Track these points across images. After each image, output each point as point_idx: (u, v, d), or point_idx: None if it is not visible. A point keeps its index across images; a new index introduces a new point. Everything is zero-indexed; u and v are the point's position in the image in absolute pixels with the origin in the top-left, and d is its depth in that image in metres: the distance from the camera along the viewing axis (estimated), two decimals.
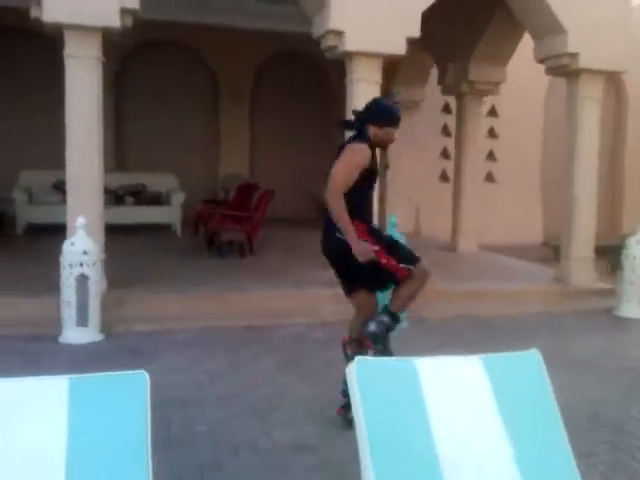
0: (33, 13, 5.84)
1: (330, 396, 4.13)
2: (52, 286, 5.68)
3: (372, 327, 3.82)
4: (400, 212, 12.12)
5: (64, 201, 9.70)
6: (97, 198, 6.26)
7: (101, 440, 1.67)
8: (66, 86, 6.02)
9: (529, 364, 2.21)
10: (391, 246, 3.87)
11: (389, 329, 3.88)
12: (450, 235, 10.52)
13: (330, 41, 6.52)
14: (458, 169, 10.27)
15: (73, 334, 5.47)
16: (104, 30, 6.01)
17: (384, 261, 3.77)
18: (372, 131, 3.81)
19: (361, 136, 3.82)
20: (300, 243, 9.85)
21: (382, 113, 3.83)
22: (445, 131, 12.79)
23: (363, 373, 2.01)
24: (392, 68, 10.34)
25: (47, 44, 8.29)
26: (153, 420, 3.83)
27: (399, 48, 6.53)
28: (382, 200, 11.04)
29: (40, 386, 1.72)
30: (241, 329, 6.05)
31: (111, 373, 1.83)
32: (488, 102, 12.21)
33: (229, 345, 5.59)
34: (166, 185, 11.17)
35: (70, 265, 5.41)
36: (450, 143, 11.60)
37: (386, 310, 3.89)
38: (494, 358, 2.21)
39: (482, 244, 10.65)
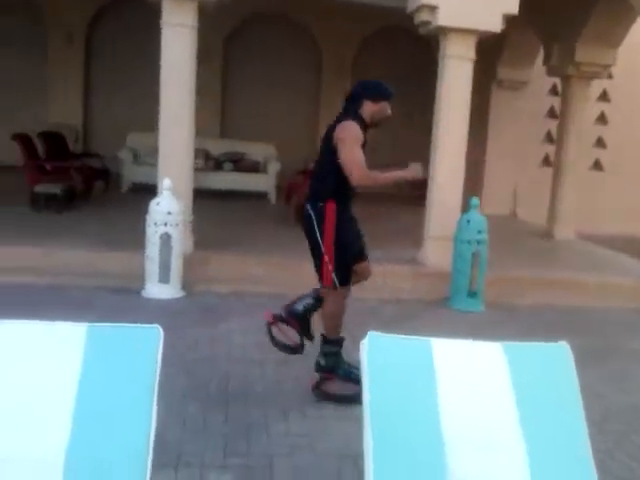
0: None
1: None
2: (141, 243, 6.02)
3: (298, 307, 4.01)
4: (497, 194, 11.86)
5: None
6: (187, 162, 6.53)
7: (110, 387, 1.78)
8: (162, 53, 6.27)
9: (556, 357, 2.12)
10: (342, 251, 3.80)
11: (313, 309, 4.02)
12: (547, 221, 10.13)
13: (423, 16, 6.38)
14: (559, 154, 9.82)
15: (155, 289, 5.78)
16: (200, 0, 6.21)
17: (326, 258, 3.81)
18: (367, 108, 3.85)
19: (349, 114, 3.84)
20: (391, 220, 9.82)
21: (376, 86, 3.94)
22: (551, 114, 12.21)
23: (374, 348, 2.01)
24: (495, 46, 9.99)
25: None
26: (211, 375, 4.11)
27: (494, 25, 6.31)
28: (475, 180, 10.84)
29: (60, 330, 1.86)
30: None
31: (127, 325, 1.93)
32: (599, 86, 11.54)
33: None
34: (265, 154, 11.43)
35: (155, 224, 5.71)
36: (555, 127, 11.10)
37: (315, 292, 4.01)
38: (518, 347, 2.14)
39: (585, 233, 10.18)
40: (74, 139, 12.31)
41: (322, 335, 4.05)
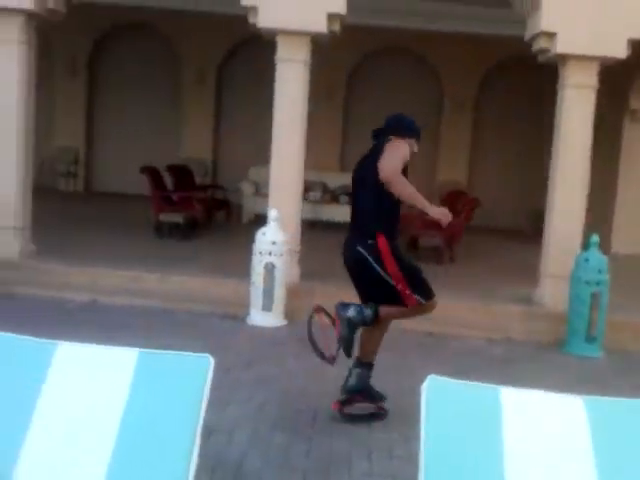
0: (250, 19, 6.36)
1: None
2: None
3: (350, 313, 3.80)
4: (629, 233, 11.03)
5: None
6: (296, 194, 6.63)
7: (153, 414, 1.78)
8: (275, 88, 6.46)
9: None
10: (409, 272, 3.77)
11: (363, 323, 3.83)
12: None
13: (542, 43, 6.14)
14: None
15: (258, 317, 5.88)
16: (313, 35, 6.35)
17: (400, 287, 3.71)
18: (394, 142, 3.76)
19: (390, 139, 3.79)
20: (507, 256, 9.44)
21: (412, 125, 3.92)
22: None
23: (435, 392, 1.88)
24: (626, 75, 9.40)
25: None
26: (302, 407, 4.06)
27: (619, 51, 5.94)
28: (604, 218, 10.16)
29: (113, 354, 1.89)
30: (421, 333, 5.98)
31: (178, 353, 1.93)
32: None
33: (402, 347, 5.56)
34: None
35: (260, 253, 5.82)
36: None
37: (374, 308, 3.81)
38: (602, 402, 1.92)
39: None
40: (203, 173, 12.99)
41: (357, 357, 3.96)
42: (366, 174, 3.75)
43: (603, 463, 1.79)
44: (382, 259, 3.69)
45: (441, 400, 1.87)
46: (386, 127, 3.92)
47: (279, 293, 5.87)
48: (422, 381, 4.59)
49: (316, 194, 10.74)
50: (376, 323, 3.88)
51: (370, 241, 3.71)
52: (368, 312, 3.82)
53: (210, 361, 1.89)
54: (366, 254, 3.72)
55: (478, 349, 5.69)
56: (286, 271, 5.99)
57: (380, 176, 3.56)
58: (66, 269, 6.59)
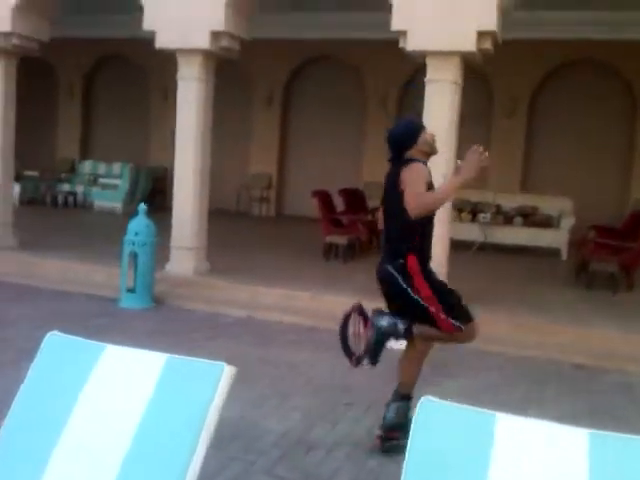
0: (400, 44, 6.47)
1: None
2: None
3: (384, 322, 3.68)
4: None
5: (459, 219, 10.42)
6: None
7: (167, 418, 1.92)
8: (425, 107, 6.48)
9: None
10: (442, 294, 3.60)
11: (394, 336, 3.69)
12: None
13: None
14: None
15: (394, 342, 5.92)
16: (463, 55, 6.29)
17: (433, 309, 3.55)
18: (414, 154, 3.58)
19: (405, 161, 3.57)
20: None
21: (410, 129, 3.67)
22: None
23: (427, 413, 1.85)
24: None
25: None
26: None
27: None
28: None
29: (140, 358, 2.08)
30: (570, 365, 5.59)
31: (202, 360, 2.01)
32: None
33: (542, 378, 5.26)
34: (560, 209, 10.79)
35: None
36: None
37: (408, 324, 3.67)
38: (606, 437, 1.76)
39: None
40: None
41: (396, 390, 3.78)
42: (391, 201, 3.64)
43: None
44: (412, 278, 3.57)
45: (431, 421, 1.85)
46: (391, 146, 3.72)
47: None
48: (549, 416, 4.35)
49: (486, 216, 10.44)
50: (410, 341, 3.74)
51: (401, 260, 3.61)
52: (401, 326, 3.70)
53: (225, 369, 2.02)
54: (396, 273, 3.61)
55: (630, 385, 5.16)
56: None
57: (412, 215, 3.44)
58: (229, 286, 7.20)
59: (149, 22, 7.24)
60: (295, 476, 3.46)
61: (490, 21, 6.14)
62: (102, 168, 14.90)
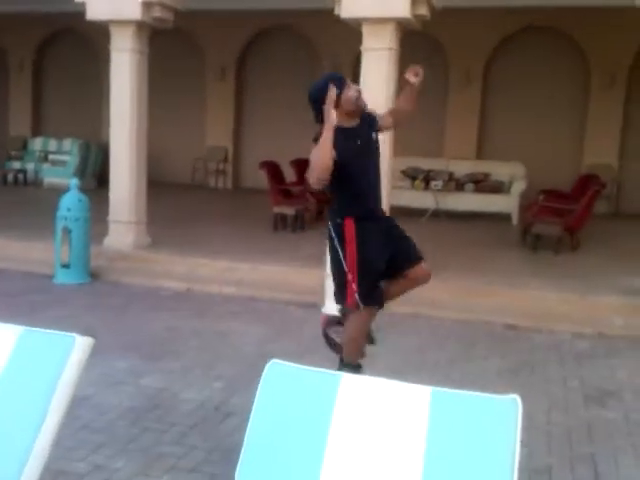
0: (336, 11, 6.31)
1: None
2: None
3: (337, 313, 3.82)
4: None
5: (412, 187, 10.43)
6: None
7: (18, 393, 1.86)
8: (362, 77, 6.34)
9: (500, 412, 1.64)
10: (365, 265, 3.51)
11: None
12: None
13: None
14: None
15: (330, 306, 5.88)
16: (398, 21, 6.16)
17: (349, 275, 3.52)
18: (330, 117, 3.35)
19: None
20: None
21: (316, 92, 3.46)
22: None
23: (272, 378, 1.80)
24: None
25: None
26: None
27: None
28: None
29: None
30: (501, 325, 5.62)
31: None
32: None
33: (473, 339, 5.28)
34: (511, 174, 10.82)
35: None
36: None
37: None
38: (453, 395, 1.71)
39: None
40: None
41: (340, 358, 3.78)
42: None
43: (433, 456, 1.62)
44: (345, 242, 3.55)
45: (277, 383, 1.80)
46: (312, 107, 3.55)
47: None
48: (472, 374, 4.36)
49: (438, 183, 10.43)
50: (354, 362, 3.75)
51: (338, 220, 3.59)
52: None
53: (76, 341, 1.93)
54: (334, 233, 3.60)
55: (559, 344, 5.20)
56: None
57: (313, 187, 3.57)
58: (169, 259, 7.10)
59: None
60: (206, 445, 3.42)
61: None
62: (53, 145, 14.56)
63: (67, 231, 6.62)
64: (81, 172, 13.40)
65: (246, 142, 14.80)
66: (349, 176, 3.46)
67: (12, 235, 8.00)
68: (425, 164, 11.16)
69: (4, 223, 8.71)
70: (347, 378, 1.78)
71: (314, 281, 6.30)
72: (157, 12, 6.98)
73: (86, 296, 6.37)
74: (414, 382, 3.79)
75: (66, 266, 6.70)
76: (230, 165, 14.71)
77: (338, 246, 3.58)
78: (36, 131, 15.92)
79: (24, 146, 15.03)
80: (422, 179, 10.75)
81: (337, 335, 3.85)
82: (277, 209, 9.02)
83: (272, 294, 6.33)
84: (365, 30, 6.24)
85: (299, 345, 5.03)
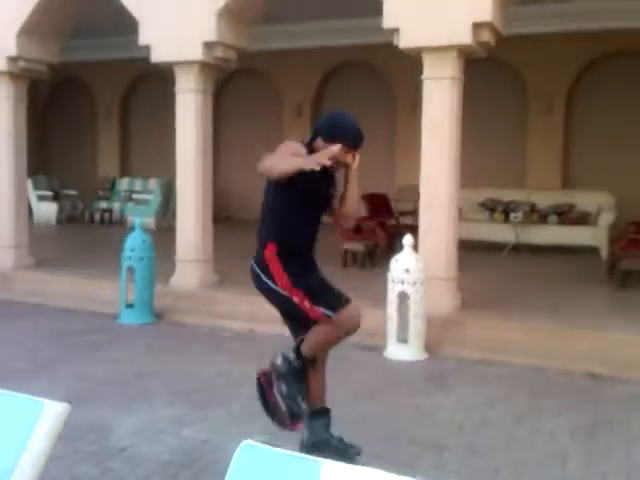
0: (394, 41, 6.10)
1: None
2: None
3: (278, 360, 3.32)
4: None
5: (491, 219, 9.98)
6: (448, 214, 6.14)
7: None
8: (423, 105, 6.09)
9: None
10: (300, 278, 3.16)
11: (295, 369, 3.26)
12: None
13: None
14: None
15: (393, 349, 5.55)
16: (460, 49, 5.89)
17: (296, 299, 3.13)
18: (319, 145, 3.09)
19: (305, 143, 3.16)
20: None
21: (331, 126, 3.18)
22: None
23: (244, 462, 1.56)
24: None
25: None
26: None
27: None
28: None
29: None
30: (580, 375, 5.09)
31: (22, 396, 1.75)
32: None
33: (545, 391, 4.79)
34: (599, 204, 10.13)
35: (393, 281, 5.51)
36: None
37: (296, 348, 3.27)
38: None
39: None
40: (415, 199, 12.83)
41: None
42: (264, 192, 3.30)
43: None
44: (268, 266, 3.19)
45: (249, 470, 1.55)
46: (315, 126, 3.29)
47: (415, 324, 5.48)
48: (541, 433, 3.90)
49: (517, 215, 9.89)
50: (309, 363, 3.32)
51: (260, 250, 3.25)
52: (292, 355, 3.30)
53: (44, 407, 1.75)
54: (257, 267, 3.24)
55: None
56: (429, 301, 5.58)
57: (258, 170, 3.05)
58: (233, 298, 6.97)
59: (145, 36, 7.15)
60: None
61: (485, 12, 5.71)
62: (138, 184, 15.05)
63: (131, 271, 6.65)
64: (163, 211, 13.74)
65: None
66: (294, 200, 3.16)
67: (85, 274, 8.18)
68: (505, 195, 10.66)
69: (79, 262, 8.95)
70: (328, 466, 1.50)
71: (376, 322, 5.99)
72: (219, 52, 7.01)
73: (147, 337, 6.33)
74: (474, 441, 3.40)
75: (131, 306, 6.72)
76: None
77: (265, 279, 3.20)
78: (123, 171, 16.54)
79: (112, 186, 15.63)
80: (501, 211, 10.26)
81: (282, 397, 3.32)
82: (347, 245, 8.79)
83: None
84: (425, 59, 6.01)
85: (356, 392, 4.73)
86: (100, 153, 16.89)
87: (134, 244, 6.69)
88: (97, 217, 14.71)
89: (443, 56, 5.92)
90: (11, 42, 7.96)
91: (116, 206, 14.75)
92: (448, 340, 5.75)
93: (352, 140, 3.15)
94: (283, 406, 3.30)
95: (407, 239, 5.55)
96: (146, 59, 7.30)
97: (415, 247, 5.70)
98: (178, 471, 3.50)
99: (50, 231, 13.65)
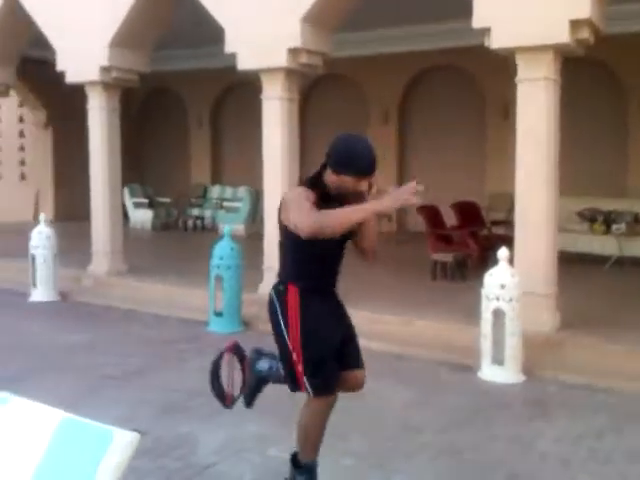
0: (485, 42, 5.82)
1: None
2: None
3: (264, 365, 3.26)
4: None
5: (590, 231, 9.41)
6: (547, 227, 5.78)
7: None
8: (517, 109, 5.78)
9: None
10: (310, 345, 2.93)
11: (275, 381, 3.22)
12: None
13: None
14: None
15: (488, 370, 5.25)
16: (557, 48, 5.54)
17: (294, 355, 2.96)
18: (328, 177, 2.93)
19: (309, 179, 3.00)
20: None
21: (346, 157, 2.85)
22: None
23: None
24: None
25: None
26: None
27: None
28: None
29: (37, 414, 1.77)
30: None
31: (94, 424, 1.66)
32: None
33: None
34: None
35: (488, 297, 5.21)
36: None
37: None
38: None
39: None
40: (508, 208, 12.36)
41: (293, 455, 3.20)
42: (278, 216, 3.00)
43: None
44: (287, 311, 2.98)
45: None
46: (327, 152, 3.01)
47: (512, 344, 5.15)
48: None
49: (620, 226, 9.26)
50: (311, 459, 3.15)
51: (281, 287, 3.04)
52: (282, 372, 3.14)
53: (114, 436, 1.65)
54: (275, 300, 3.05)
55: None
56: (526, 319, 5.25)
57: (303, 234, 2.70)
58: None
59: (230, 44, 7.19)
60: None
61: (584, 8, 5.34)
62: (229, 192, 15.29)
63: (220, 279, 6.67)
64: (252, 218, 13.88)
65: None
66: (312, 246, 2.86)
67: (175, 281, 8.30)
68: (605, 205, 10.01)
69: (171, 269, 9.12)
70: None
71: (470, 340, 5.70)
72: (304, 59, 6.95)
73: None
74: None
75: (219, 314, 6.74)
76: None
77: (280, 317, 3.01)
78: (214, 179, 16.87)
79: (204, 194, 15.96)
80: (602, 222, 9.63)
81: (228, 376, 3.29)
82: (436, 256, 8.51)
83: (422, 352, 5.83)
84: (519, 60, 5.70)
85: (447, 418, 4.47)
86: (192, 161, 17.31)
87: (222, 252, 6.71)
88: (190, 224, 15.05)
89: (538, 56, 5.59)
90: (103, 52, 8.25)
91: (208, 213, 15.05)
92: (547, 362, 5.38)
93: (364, 170, 2.85)
94: (240, 389, 3.32)
95: (502, 252, 5.24)
96: (234, 68, 7.33)
97: (510, 261, 5.39)
98: None
99: (145, 236, 14.08)
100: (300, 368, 2.97)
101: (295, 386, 3.05)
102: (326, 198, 2.90)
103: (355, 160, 2.85)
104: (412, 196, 2.62)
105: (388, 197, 2.66)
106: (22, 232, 8.46)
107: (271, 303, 3.08)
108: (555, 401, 4.79)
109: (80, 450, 1.68)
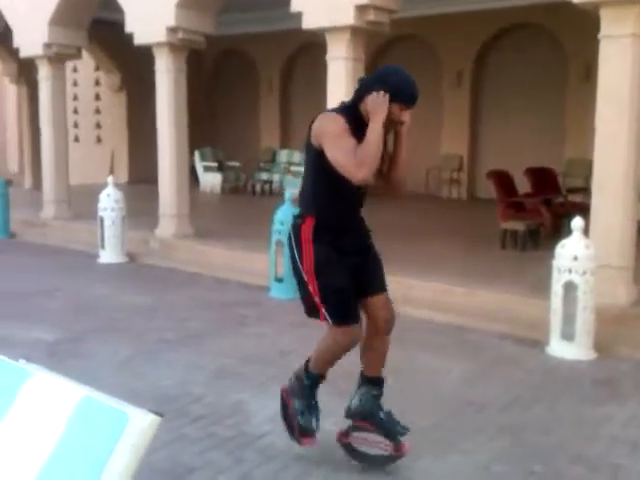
0: None
1: None
2: None
3: (292, 377, 3.31)
4: None
5: None
6: (625, 196, 5.38)
7: (68, 466, 1.60)
8: (599, 68, 5.37)
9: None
10: (325, 277, 2.95)
11: (305, 386, 3.24)
12: None
13: None
14: None
15: (557, 346, 4.98)
16: None
17: (310, 287, 2.99)
18: (365, 105, 2.89)
19: (343, 105, 3.01)
20: None
21: (397, 82, 2.88)
22: None
23: None
24: None
25: None
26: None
27: None
28: None
29: (58, 390, 1.70)
30: None
31: (112, 404, 1.58)
32: None
33: None
34: None
35: (559, 269, 4.91)
36: None
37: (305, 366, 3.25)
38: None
39: None
40: (586, 175, 11.75)
41: (305, 363, 3.26)
42: (307, 154, 3.03)
43: None
44: (301, 243, 3.01)
45: None
46: (365, 79, 3.02)
47: (583, 319, 4.86)
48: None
49: None
50: (320, 380, 3.29)
51: (299, 220, 3.05)
52: (302, 373, 3.26)
53: (129, 419, 1.56)
54: (292, 232, 3.08)
55: None
56: (600, 292, 4.93)
57: (357, 181, 2.80)
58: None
59: (296, 3, 7.00)
60: None
61: None
62: (297, 156, 15.18)
63: (281, 245, 6.60)
64: None
65: (482, 150, 13.96)
66: (338, 177, 2.86)
67: (240, 246, 8.31)
68: None
69: (237, 233, 9.14)
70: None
71: (537, 313, 5.44)
72: (371, 15, 6.68)
73: (293, 313, 6.22)
74: None
75: (280, 280, 6.70)
76: (465, 174, 14.01)
77: (295, 248, 3.05)
78: (283, 144, 16.80)
79: (273, 158, 15.94)
80: None
81: (294, 412, 3.29)
82: (506, 224, 8.15)
83: (486, 325, 5.60)
84: (603, 15, 5.26)
85: (510, 395, 4.26)
86: (262, 125, 17.28)
87: (283, 217, 6.64)
88: (258, 188, 15.08)
89: (624, 10, 5.16)
90: (170, 13, 8.22)
91: (276, 178, 15.01)
92: (621, 339, 5.07)
93: (413, 98, 2.92)
94: (293, 420, 3.28)
95: (576, 222, 4.91)
96: (301, 31, 7.14)
97: (585, 231, 5.05)
98: (310, 467, 3.31)
99: (213, 200, 14.22)
100: (317, 299, 3.02)
101: (313, 313, 3.08)
102: (360, 126, 2.88)
103: (408, 89, 2.91)
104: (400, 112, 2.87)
105: (371, 112, 2.83)
106: (97, 194, 8.63)
107: (289, 237, 3.13)
108: (628, 380, 4.50)
109: (97, 430, 1.61)
